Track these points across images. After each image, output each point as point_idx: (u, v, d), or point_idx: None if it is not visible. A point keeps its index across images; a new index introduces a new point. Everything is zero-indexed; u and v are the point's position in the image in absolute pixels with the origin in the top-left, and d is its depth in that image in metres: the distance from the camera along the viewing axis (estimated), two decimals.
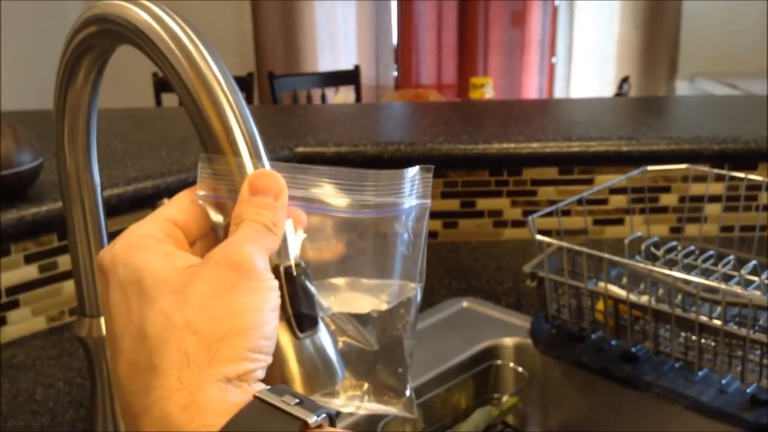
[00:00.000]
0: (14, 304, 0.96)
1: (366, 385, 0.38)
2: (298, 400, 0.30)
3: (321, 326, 0.36)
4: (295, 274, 0.35)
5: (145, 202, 1.02)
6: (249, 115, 0.37)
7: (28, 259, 0.96)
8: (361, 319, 0.38)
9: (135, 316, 0.33)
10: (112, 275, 0.34)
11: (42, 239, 0.96)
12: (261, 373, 0.32)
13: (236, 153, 0.36)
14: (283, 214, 0.35)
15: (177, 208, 0.37)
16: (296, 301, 0.35)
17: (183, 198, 0.37)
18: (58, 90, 0.49)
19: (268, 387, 0.31)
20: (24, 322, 0.97)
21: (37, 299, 0.97)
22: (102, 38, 0.44)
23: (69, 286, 0.99)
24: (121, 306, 0.33)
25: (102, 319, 0.59)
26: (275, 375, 0.34)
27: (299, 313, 0.35)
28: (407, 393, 0.39)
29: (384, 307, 0.38)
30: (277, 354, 0.34)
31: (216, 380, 0.31)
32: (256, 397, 0.31)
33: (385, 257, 0.38)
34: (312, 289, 0.35)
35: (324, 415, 0.30)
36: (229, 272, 0.32)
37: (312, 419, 0.30)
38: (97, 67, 0.48)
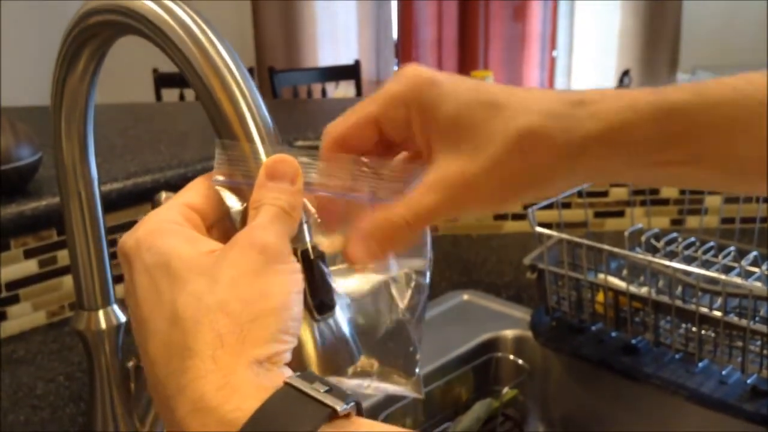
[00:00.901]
0: (14, 299, 0.96)
1: (376, 365, 0.39)
2: (327, 388, 0.31)
3: (337, 308, 0.36)
4: (312, 257, 0.35)
5: (145, 197, 1.02)
6: (261, 100, 0.37)
7: (28, 254, 0.96)
8: (373, 299, 0.39)
9: (165, 299, 0.33)
10: (137, 260, 0.35)
11: (41, 234, 0.96)
12: (288, 355, 0.33)
13: (249, 139, 0.36)
14: (299, 197, 0.36)
15: (194, 194, 0.37)
16: (313, 284, 0.35)
17: (200, 184, 0.38)
18: (56, 79, 0.48)
19: (299, 373, 0.32)
20: (24, 316, 0.97)
21: (37, 294, 0.97)
22: (106, 28, 0.44)
23: (69, 280, 0.99)
24: (149, 289, 0.34)
25: (102, 312, 0.59)
26: (294, 357, 0.34)
27: (316, 296, 0.35)
28: (416, 372, 0.39)
29: (393, 274, 0.39)
30: None
31: (249, 362, 0.31)
32: (286, 383, 0.31)
33: None
34: (327, 271, 0.36)
35: (353, 403, 0.31)
36: (257, 255, 0.33)
37: (341, 407, 0.30)
38: (97, 58, 0.48)
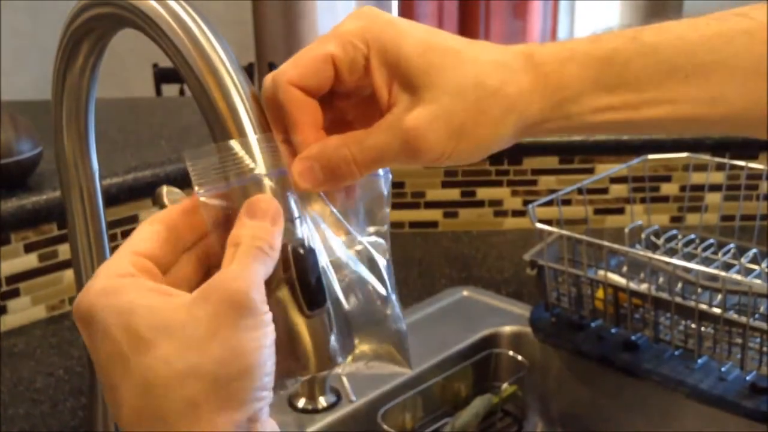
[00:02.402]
0: (14, 293, 0.96)
1: (370, 347, 0.39)
2: None
3: (329, 302, 0.36)
4: (302, 253, 0.35)
5: (145, 191, 1.02)
6: (251, 92, 0.37)
7: (28, 248, 0.96)
8: (357, 283, 0.39)
9: (132, 365, 0.31)
10: (94, 325, 0.32)
11: (42, 228, 0.96)
12: (267, 409, 0.32)
13: (242, 133, 0.36)
14: (279, 235, 0.35)
15: (142, 240, 0.35)
16: (304, 281, 0.35)
17: (146, 227, 0.35)
18: (56, 74, 0.48)
19: None
20: (24, 310, 0.97)
21: (38, 288, 0.98)
22: (103, 22, 0.44)
23: (69, 275, 0.99)
24: (113, 355, 0.32)
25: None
26: (287, 354, 0.34)
27: (307, 293, 0.35)
28: (407, 347, 0.39)
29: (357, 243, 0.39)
30: (289, 333, 0.35)
31: (226, 429, 0.31)
32: None
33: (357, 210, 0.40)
34: (318, 266, 0.36)
35: None
36: (228, 311, 0.31)
37: None
38: (97, 51, 0.47)
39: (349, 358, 0.38)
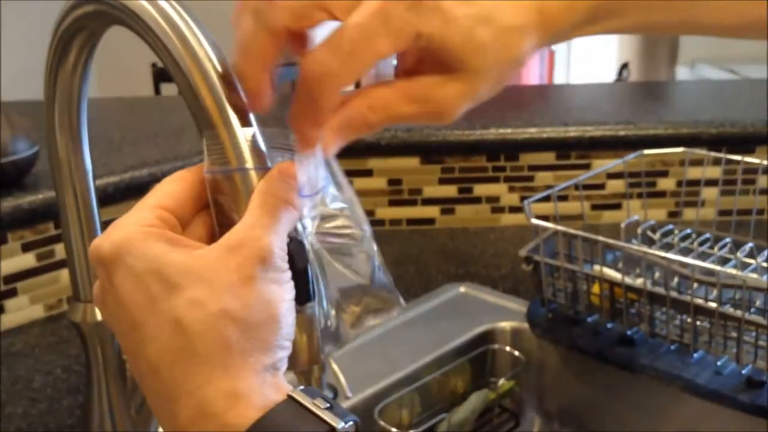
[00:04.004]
0: (12, 293, 0.96)
1: (367, 306, 0.39)
2: (328, 405, 0.32)
3: (322, 292, 0.37)
4: (296, 245, 0.36)
5: (142, 190, 1.02)
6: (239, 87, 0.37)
7: (26, 248, 0.96)
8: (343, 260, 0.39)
9: (163, 306, 0.32)
10: (119, 266, 0.34)
11: (39, 227, 0.96)
12: (286, 363, 0.34)
13: (227, 125, 0.36)
14: (299, 208, 0.36)
15: (164, 195, 0.36)
16: (296, 275, 0.35)
17: (168, 184, 0.37)
18: (48, 72, 0.49)
19: (302, 387, 0.32)
20: (22, 310, 0.97)
21: (35, 287, 0.98)
22: (92, 20, 0.44)
23: (66, 274, 0.99)
24: (140, 295, 0.33)
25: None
26: None
27: (299, 286, 0.35)
28: (395, 296, 0.40)
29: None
30: None
31: (256, 369, 0.32)
32: (290, 396, 0.32)
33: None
34: (308, 259, 0.36)
35: (351, 422, 0.32)
36: (256, 263, 0.33)
37: (340, 425, 0.31)
38: (88, 49, 0.48)
39: (357, 317, 0.39)
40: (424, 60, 0.37)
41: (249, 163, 0.36)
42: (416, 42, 0.35)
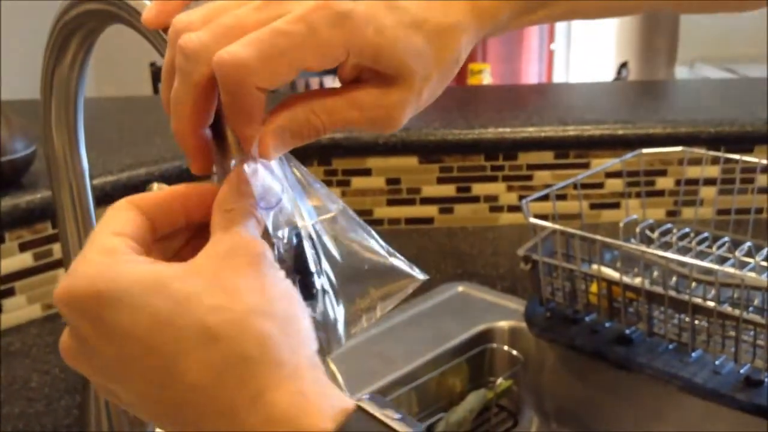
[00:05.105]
0: (10, 292, 0.96)
1: (374, 295, 0.38)
2: (399, 416, 0.31)
3: (320, 292, 0.37)
4: (295, 243, 0.35)
5: (139, 189, 1.02)
6: None
7: (23, 247, 0.96)
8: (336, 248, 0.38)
9: (180, 321, 0.30)
10: (105, 303, 0.30)
11: (36, 227, 0.96)
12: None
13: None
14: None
15: (118, 222, 0.34)
16: (297, 269, 0.35)
17: (121, 213, 0.34)
18: (45, 69, 0.48)
19: (368, 396, 0.31)
20: (20, 309, 0.97)
21: (33, 287, 0.98)
22: (93, 17, 0.44)
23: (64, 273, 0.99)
24: (145, 322, 0.30)
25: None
26: None
27: (300, 281, 0.35)
28: (411, 268, 0.38)
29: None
30: None
31: (307, 364, 0.31)
32: (358, 407, 0.30)
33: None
34: (309, 254, 0.36)
35: None
36: (261, 263, 0.32)
37: None
38: (86, 48, 0.48)
39: (359, 314, 0.38)
40: (364, 70, 0.35)
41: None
42: (347, 57, 0.34)
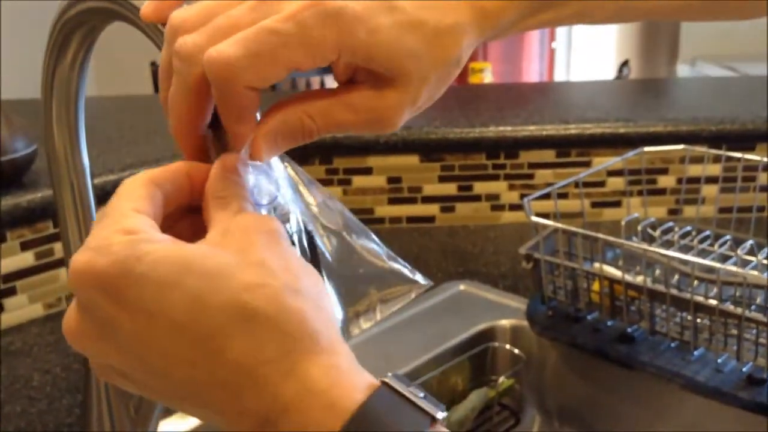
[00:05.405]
0: (11, 291, 0.96)
1: (372, 294, 0.38)
2: (423, 394, 0.31)
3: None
4: (310, 239, 0.36)
5: None
6: None
7: (24, 246, 0.96)
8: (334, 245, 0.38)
9: (213, 299, 0.29)
10: (129, 279, 0.29)
11: (37, 226, 0.96)
12: None
13: None
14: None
15: (137, 197, 0.33)
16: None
17: (138, 188, 0.33)
18: (46, 69, 0.48)
19: (391, 374, 0.31)
20: (21, 309, 0.97)
21: (34, 286, 0.98)
22: (94, 15, 0.44)
23: (65, 273, 0.99)
24: (173, 299, 0.29)
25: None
26: None
27: None
28: (413, 274, 0.38)
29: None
30: None
31: (339, 340, 0.31)
32: (384, 383, 0.31)
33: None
34: (307, 254, 0.36)
35: (444, 413, 0.31)
36: (282, 242, 0.32)
37: (439, 414, 0.30)
38: (87, 45, 0.48)
39: (358, 316, 0.38)
40: (359, 70, 0.35)
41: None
42: (339, 57, 0.34)
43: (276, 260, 0.31)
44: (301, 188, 0.37)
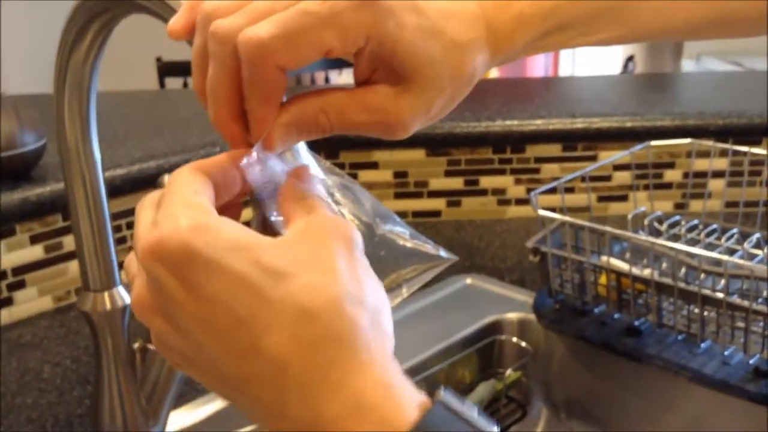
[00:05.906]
0: (21, 285, 0.96)
1: (399, 273, 0.38)
2: (476, 410, 0.31)
3: None
4: None
5: (149, 183, 1.03)
6: None
7: (34, 240, 0.96)
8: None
9: (274, 294, 0.29)
10: (196, 262, 0.29)
11: (47, 219, 0.97)
12: None
13: None
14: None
15: (201, 184, 0.33)
16: None
17: (196, 177, 0.33)
18: (60, 56, 0.49)
19: (443, 391, 0.31)
20: (31, 302, 0.98)
21: (43, 279, 0.98)
22: (116, 6, 0.44)
23: (75, 266, 0.99)
24: (238, 289, 0.29)
25: (107, 293, 0.59)
26: None
27: None
28: (437, 250, 0.38)
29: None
30: None
31: (392, 358, 0.31)
32: (440, 402, 0.30)
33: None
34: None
35: (498, 429, 0.31)
36: (353, 248, 0.32)
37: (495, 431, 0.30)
38: (103, 36, 0.48)
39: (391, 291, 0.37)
40: (379, 69, 0.36)
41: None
42: (367, 44, 0.34)
43: (345, 267, 0.31)
44: (323, 176, 0.38)
